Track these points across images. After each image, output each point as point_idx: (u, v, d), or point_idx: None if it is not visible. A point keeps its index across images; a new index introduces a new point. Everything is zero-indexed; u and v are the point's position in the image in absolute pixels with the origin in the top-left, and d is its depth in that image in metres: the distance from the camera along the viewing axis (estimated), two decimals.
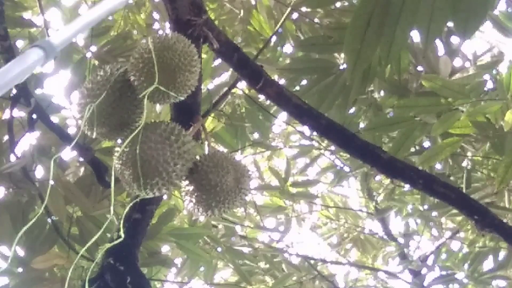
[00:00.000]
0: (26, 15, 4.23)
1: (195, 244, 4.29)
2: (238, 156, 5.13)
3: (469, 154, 4.26)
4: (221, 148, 4.61)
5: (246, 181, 2.04)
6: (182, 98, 1.95)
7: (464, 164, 4.29)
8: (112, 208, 1.61)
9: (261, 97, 4.25)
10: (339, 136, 2.78)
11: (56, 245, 3.53)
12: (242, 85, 4.31)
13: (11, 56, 3.14)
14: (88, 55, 3.99)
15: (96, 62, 3.98)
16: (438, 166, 4.35)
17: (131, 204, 2.11)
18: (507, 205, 4.25)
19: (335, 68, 3.51)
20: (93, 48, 4.04)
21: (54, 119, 3.60)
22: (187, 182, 2.02)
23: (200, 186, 1.98)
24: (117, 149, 1.94)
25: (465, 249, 6.06)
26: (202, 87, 3.08)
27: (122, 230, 1.71)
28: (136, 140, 1.83)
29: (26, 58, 1.11)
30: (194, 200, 2.00)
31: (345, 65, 3.44)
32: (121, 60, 3.88)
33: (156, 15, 4.82)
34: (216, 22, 4.16)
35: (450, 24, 2.41)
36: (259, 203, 6.48)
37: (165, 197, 3.98)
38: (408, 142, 3.53)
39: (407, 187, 5.35)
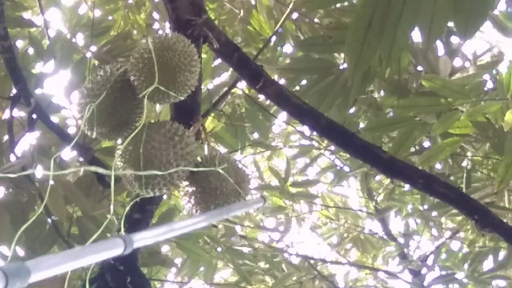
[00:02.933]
0: (26, 15, 4.23)
1: (195, 244, 4.29)
2: (238, 156, 5.13)
3: (469, 154, 4.26)
4: (221, 148, 4.61)
5: (246, 186, 2.04)
6: (182, 98, 1.95)
7: (464, 164, 4.29)
8: (112, 208, 1.61)
9: (261, 97, 4.26)
10: (339, 136, 2.78)
11: (56, 245, 3.52)
12: (242, 85, 4.30)
13: (11, 56, 3.14)
14: (88, 55, 3.99)
15: (96, 62, 3.98)
16: (438, 166, 4.35)
17: (131, 203, 2.11)
18: (507, 205, 4.25)
19: (335, 68, 3.51)
20: (93, 48, 4.04)
21: (54, 119, 3.60)
22: (187, 182, 2.02)
23: (200, 188, 1.97)
24: (118, 147, 1.93)
25: (465, 249, 6.07)
26: (202, 87, 3.08)
27: (122, 230, 1.72)
28: (139, 139, 1.83)
29: (108, 244, 1.24)
30: (193, 202, 2.00)
31: (345, 65, 3.44)
32: (121, 60, 3.88)
33: (156, 15, 4.82)
34: (216, 22, 4.15)
35: (450, 24, 2.41)
36: None
37: (165, 197, 3.98)
38: (408, 142, 3.53)
39: (407, 187, 5.35)
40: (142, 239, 1.33)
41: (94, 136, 1.96)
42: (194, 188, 1.99)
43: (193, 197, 1.99)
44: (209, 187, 1.96)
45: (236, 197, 2.00)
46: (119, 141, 2.06)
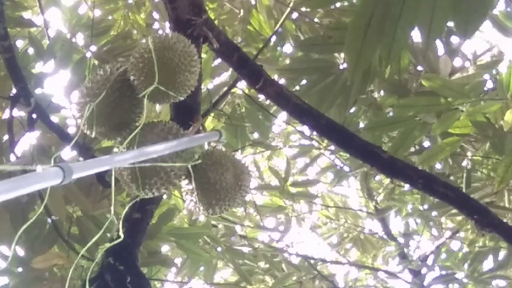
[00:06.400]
0: (26, 14, 4.23)
1: (195, 244, 4.29)
2: (238, 156, 5.12)
3: (469, 154, 4.26)
4: (220, 148, 4.60)
5: (246, 178, 2.02)
6: (182, 98, 1.95)
7: (464, 164, 4.29)
8: (112, 208, 1.61)
9: (261, 97, 4.26)
10: (339, 136, 2.78)
11: (56, 245, 3.52)
12: (242, 84, 4.31)
13: (11, 56, 3.14)
14: (88, 54, 3.99)
15: (96, 62, 3.98)
16: (438, 166, 4.35)
17: (130, 203, 2.10)
18: (507, 205, 4.25)
19: (335, 68, 3.51)
20: (93, 48, 4.04)
21: (54, 119, 3.60)
22: (187, 181, 2.02)
23: (199, 185, 1.97)
24: (115, 149, 1.93)
25: (465, 249, 6.07)
26: (202, 87, 3.08)
27: (121, 230, 1.71)
28: (133, 141, 1.82)
29: (45, 175, 1.23)
30: (194, 199, 1.99)
31: (345, 65, 3.44)
32: (121, 60, 3.88)
33: (156, 15, 4.82)
34: (216, 22, 4.16)
35: (449, 23, 2.41)
36: (259, 203, 6.48)
37: (165, 196, 3.98)
38: (408, 142, 3.53)
39: (407, 187, 5.35)
40: (82, 168, 1.32)
41: (93, 136, 1.96)
42: (194, 186, 1.98)
43: (194, 194, 1.98)
44: (208, 182, 1.95)
45: (236, 190, 1.99)
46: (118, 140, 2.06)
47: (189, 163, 1.94)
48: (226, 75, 4.59)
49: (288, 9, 3.84)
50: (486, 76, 3.89)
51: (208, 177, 1.95)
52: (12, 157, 3.39)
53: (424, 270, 7.07)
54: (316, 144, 5.85)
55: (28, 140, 3.51)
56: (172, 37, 1.92)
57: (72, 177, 1.27)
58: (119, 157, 1.51)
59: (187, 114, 2.26)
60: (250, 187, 2.07)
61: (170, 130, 1.93)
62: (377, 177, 6.23)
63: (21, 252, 3.51)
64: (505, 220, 3.28)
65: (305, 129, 5.59)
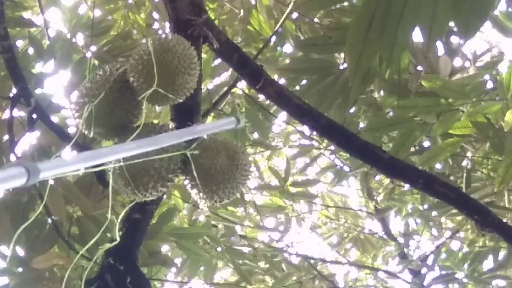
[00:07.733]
0: (26, 15, 4.23)
1: (195, 244, 4.29)
2: None
3: (469, 154, 4.26)
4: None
5: (241, 156, 1.98)
6: (181, 100, 1.95)
7: (464, 164, 4.29)
8: (112, 207, 1.60)
9: (261, 97, 4.26)
10: (339, 136, 2.78)
11: (56, 245, 3.53)
12: (242, 84, 4.30)
13: (11, 56, 3.14)
14: (88, 54, 3.99)
15: (96, 62, 3.98)
16: (438, 166, 4.35)
17: (131, 205, 2.10)
18: (507, 205, 4.25)
19: (335, 68, 3.50)
20: (93, 48, 4.04)
21: (54, 119, 3.60)
22: (184, 176, 1.99)
23: (196, 175, 1.93)
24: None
25: (465, 249, 6.07)
26: (202, 87, 3.08)
27: (118, 232, 1.70)
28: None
29: (7, 173, 1.11)
30: (197, 191, 1.96)
31: (345, 65, 3.43)
32: (121, 60, 3.88)
33: (156, 15, 4.82)
34: (216, 22, 4.15)
35: (450, 23, 2.41)
36: (259, 203, 6.48)
37: (165, 196, 3.98)
38: (409, 143, 3.52)
39: (407, 187, 5.35)
40: (51, 168, 1.19)
41: (91, 136, 1.95)
42: (191, 177, 1.96)
43: (194, 186, 1.96)
44: (203, 170, 1.91)
45: (234, 170, 1.95)
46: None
47: (186, 150, 1.89)
48: (226, 75, 4.59)
49: (288, 9, 3.84)
50: (486, 77, 3.89)
51: (201, 164, 1.91)
52: (12, 157, 3.39)
53: (424, 270, 7.07)
54: (316, 144, 5.85)
55: (28, 140, 3.51)
56: (171, 39, 1.91)
57: (40, 177, 1.15)
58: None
59: (187, 114, 2.26)
60: (249, 166, 2.01)
61: (152, 129, 1.92)
62: (377, 177, 6.23)
63: (21, 252, 3.51)
64: (505, 220, 3.28)
65: (305, 129, 5.59)
